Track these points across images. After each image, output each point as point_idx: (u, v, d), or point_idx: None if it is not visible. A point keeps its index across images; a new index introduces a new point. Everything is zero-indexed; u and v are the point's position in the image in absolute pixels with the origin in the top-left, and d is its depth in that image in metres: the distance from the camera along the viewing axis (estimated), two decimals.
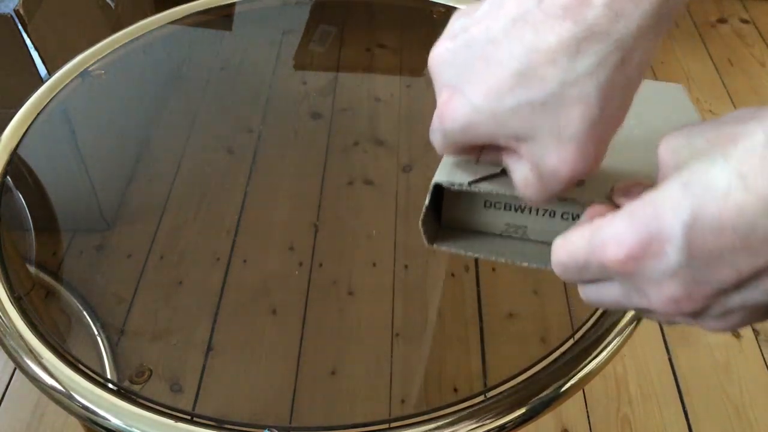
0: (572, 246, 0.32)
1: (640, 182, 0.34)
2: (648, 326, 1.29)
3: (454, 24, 0.37)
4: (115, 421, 0.45)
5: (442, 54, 0.37)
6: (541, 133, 0.35)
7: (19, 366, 0.48)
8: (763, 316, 0.31)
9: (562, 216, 0.41)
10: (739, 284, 0.29)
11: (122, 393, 0.46)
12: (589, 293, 0.33)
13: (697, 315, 0.30)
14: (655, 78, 1.81)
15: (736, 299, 0.29)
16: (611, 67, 0.33)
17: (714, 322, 0.31)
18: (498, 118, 0.35)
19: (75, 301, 0.54)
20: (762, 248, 0.28)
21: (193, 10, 0.80)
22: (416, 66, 0.79)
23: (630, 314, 0.49)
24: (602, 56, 0.33)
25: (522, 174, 0.36)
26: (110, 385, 0.47)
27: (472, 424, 0.44)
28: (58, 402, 0.47)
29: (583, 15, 0.32)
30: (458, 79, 0.36)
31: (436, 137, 0.38)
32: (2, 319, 0.50)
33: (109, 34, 0.76)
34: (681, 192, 0.29)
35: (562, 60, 0.33)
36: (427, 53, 0.42)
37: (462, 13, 0.37)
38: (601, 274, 0.32)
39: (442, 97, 0.37)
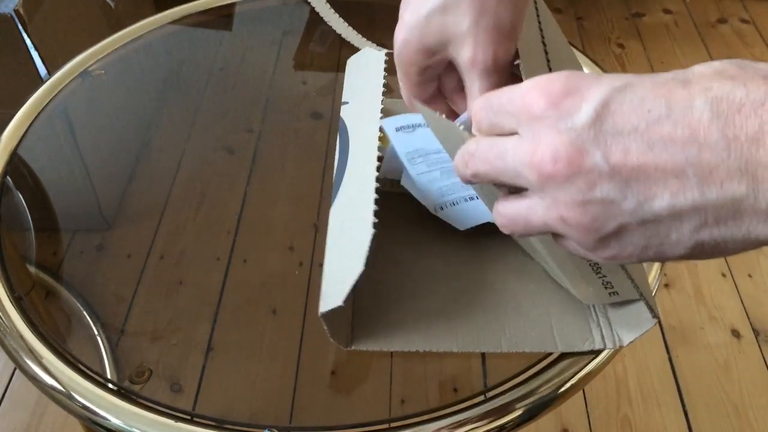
0: (501, 90, 0.33)
1: None
2: None
3: None
4: (115, 421, 0.45)
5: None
6: (450, 31, 0.42)
7: (19, 366, 0.48)
8: (608, 239, 0.30)
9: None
10: (616, 171, 0.28)
11: (122, 393, 0.46)
12: (488, 140, 0.33)
13: (561, 185, 0.30)
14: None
15: (604, 188, 0.29)
16: None
17: (570, 206, 0.30)
18: (417, 26, 0.42)
19: (75, 301, 0.54)
20: (658, 143, 0.28)
21: (193, 10, 0.80)
22: None
23: None
24: None
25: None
26: (110, 385, 0.47)
27: (472, 424, 0.44)
28: (58, 402, 0.47)
29: None
30: (402, 8, 0.44)
31: (398, 70, 0.45)
32: (2, 319, 0.50)
33: (109, 34, 0.76)
34: (628, 74, 0.29)
35: None
36: None
37: None
38: (511, 116, 0.32)
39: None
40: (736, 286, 1.35)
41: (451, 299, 0.49)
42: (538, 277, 0.50)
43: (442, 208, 0.51)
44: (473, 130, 0.35)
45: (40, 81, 0.73)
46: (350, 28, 0.79)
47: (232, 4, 0.83)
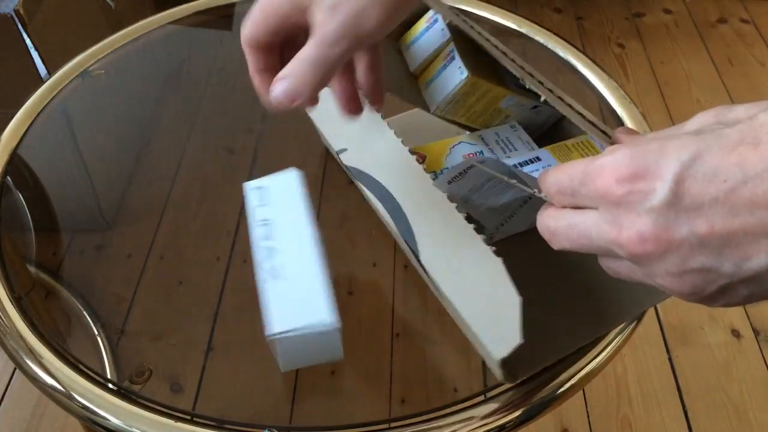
0: (572, 167, 0.33)
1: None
2: (648, 326, 1.29)
3: None
4: (115, 421, 0.45)
5: None
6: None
7: (19, 366, 0.48)
8: (714, 296, 0.31)
9: None
10: (706, 242, 0.29)
11: (122, 393, 0.46)
12: (567, 218, 0.34)
13: (654, 261, 0.30)
14: (654, 76, 1.81)
15: (698, 259, 0.29)
16: None
17: (667, 278, 0.31)
18: None
19: (75, 301, 0.54)
20: (742, 209, 0.28)
21: (193, 10, 0.80)
22: None
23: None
24: None
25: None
26: (110, 385, 0.47)
27: (472, 424, 0.44)
28: (58, 402, 0.47)
29: None
30: None
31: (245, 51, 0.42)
32: (2, 319, 0.50)
33: (109, 34, 0.76)
34: (691, 137, 0.29)
35: None
36: None
37: None
38: (588, 199, 0.32)
39: None
40: None
41: (555, 293, 0.49)
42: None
43: (502, 225, 0.52)
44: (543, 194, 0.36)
45: (40, 81, 0.73)
46: None
47: (232, 4, 0.83)
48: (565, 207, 0.34)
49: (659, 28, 1.99)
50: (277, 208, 0.51)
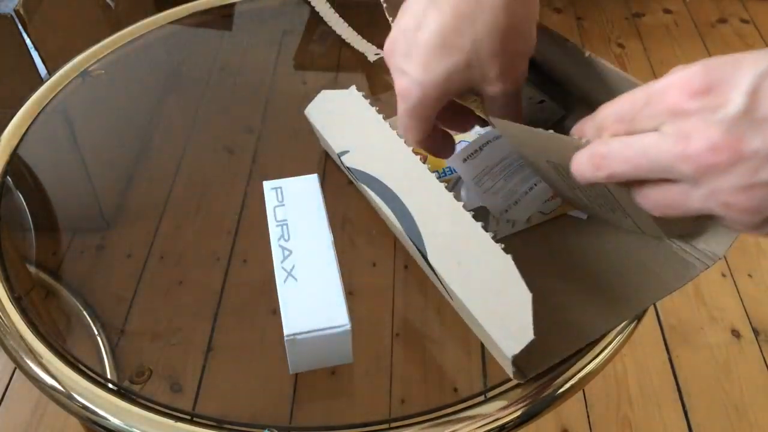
0: (633, 94, 0.33)
1: None
2: (648, 326, 1.29)
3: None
4: (115, 421, 0.45)
5: (387, 45, 0.45)
6: (476, 80, 0.42)
7: (19, 366, 0.48)
8: None
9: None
10: None
11: (122, 393, 0.46)
12: (621, 140, 0.33)
13: (723, 174, 0.30)
14: (655, 76, 1.81)
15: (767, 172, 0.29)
16: (503, 23, 0.40)
17: (733, 193, 0.30)
18: (437, 84, 0.42)
19: (75, 301, 0.54)
20: None
21: (193, 10, 0.80)
22: None
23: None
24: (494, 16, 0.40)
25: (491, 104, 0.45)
26: (110, 385, 0.47)
27: (472, 424, 0.44)
28: (58, 402, 0.47)
29: None
30: (401, 61, 0.43)
31: (402, 121, 0.46)
32: (2, 319, 0.50)
33: (109, 34, 0.76)
34: (765, 53, 0.29)
35: (465, 28, 0.40)
36: None
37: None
38: (652, 119, 0.32)
39: (396, 81, 0.45)
40: (736, 286, 1.35)
41: (568, 285, 0.49)
42: (605, 238, 0.51)
43: (506, 211, 0.52)
44: (582, 136, 0.36)
45: (40, 81, 0.73)
46: (350, 28, 0.79)
47: (232, 4, 0.83)
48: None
49: (659, 28, 1.99)
50: (295, 210, 0.52)
